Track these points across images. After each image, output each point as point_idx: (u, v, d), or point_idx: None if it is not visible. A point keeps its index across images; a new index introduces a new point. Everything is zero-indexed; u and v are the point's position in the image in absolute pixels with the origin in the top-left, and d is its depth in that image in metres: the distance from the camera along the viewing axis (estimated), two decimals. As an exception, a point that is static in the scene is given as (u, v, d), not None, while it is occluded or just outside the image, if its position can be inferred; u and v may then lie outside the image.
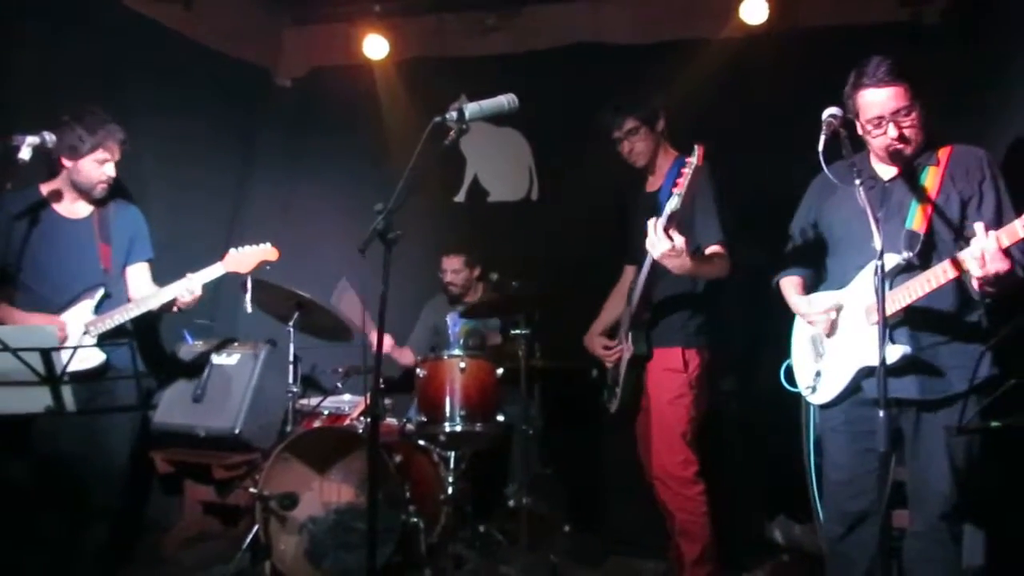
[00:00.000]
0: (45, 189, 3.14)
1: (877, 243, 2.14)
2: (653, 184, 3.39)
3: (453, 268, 4.52)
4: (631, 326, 3.28)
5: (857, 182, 2.24)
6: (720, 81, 4.30)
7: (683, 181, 2.78)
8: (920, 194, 2.46)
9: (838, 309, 2.58)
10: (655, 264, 2.96)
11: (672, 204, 2.78)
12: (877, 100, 2.42)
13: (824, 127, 2.34)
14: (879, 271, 2.13)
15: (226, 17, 4.85)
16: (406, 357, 4.53)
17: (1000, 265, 2.17)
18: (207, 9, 4.63)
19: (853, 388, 2.56)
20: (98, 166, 3.08)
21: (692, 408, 3.18)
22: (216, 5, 4.73)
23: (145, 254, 3.34)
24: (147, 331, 4.01)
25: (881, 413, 2.08)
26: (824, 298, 2.66)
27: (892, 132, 2.42)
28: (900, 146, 2.44)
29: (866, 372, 2.50)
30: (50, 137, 2.85)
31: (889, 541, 2.21)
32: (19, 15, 3.58)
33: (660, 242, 2.81)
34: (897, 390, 2.38)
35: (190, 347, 4.25)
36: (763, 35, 4.38)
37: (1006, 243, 2.18)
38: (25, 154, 2.75)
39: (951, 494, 2.39)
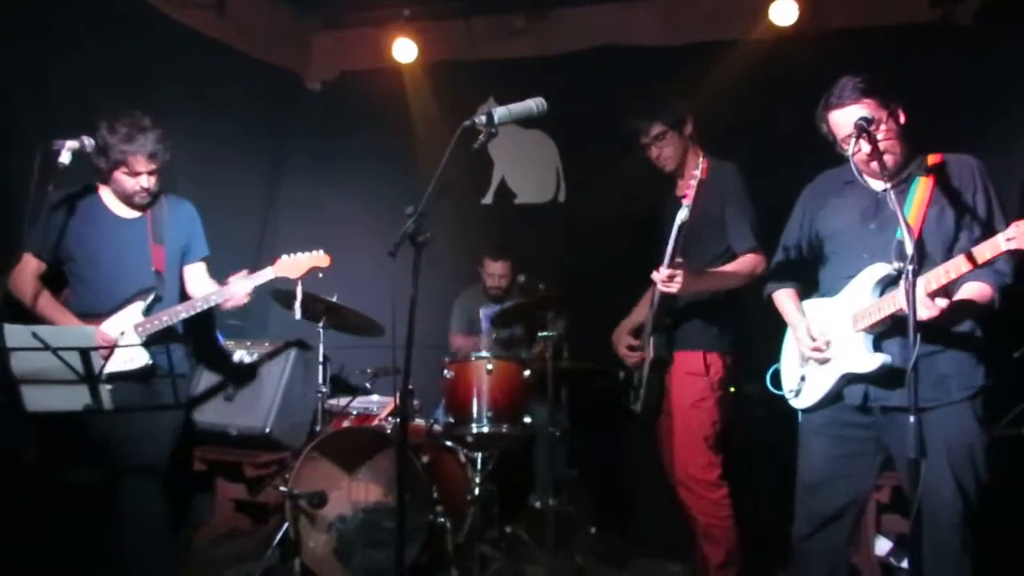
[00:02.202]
0: (102, 188, 3.16)
1: (908, 248, 2.13)
2: (682, 188, 3.37)
3: (500, 273, 4.59)
4: (652, 330, 3.28)
5: (888, 186, 2.23)
6: (750, 83, 4.28)
7: (691, 193, 2.82)
8: (911, 206, 2.45)
9: (827, 343, 2.57)
10: None
11: (681, 215, 2.83)
12: (844, 119, 2.42)
13: (854, 131, 2.33)
14: (909, 276, 2.10)
15: (257, 22, 4.92)
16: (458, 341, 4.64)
17: (926, 312, 2.20)
18: (239, 14, 4.70)
19: (835, 395, 2.56)
20: (130, 178, 3.06)
21: (715, 412, 3.17)
22: (247, 10, 4.80)
23: (201, 252, 3.36)
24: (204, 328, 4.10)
25: (911, 419, 2.07)
26: (818, 314, 2.66)
27: (865, 148, 2.38)
28: (874, 161, 2.39)
29: (849, 379, 2.52)
30: (89, 142, 2.87)
31: (920, 547, 2.18)
32: (56, 20, 3.66)
33: (671, 280, 2.90)
34: (890, 399, 2.42)
35: (221, 347, 4.31)
36: (793, 36, 4.35)
37: (933, 287, 2.22)
38: (65, 158, 2.79)
39: (954, 502, 2.36)
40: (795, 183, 3.99)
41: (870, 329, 2.46)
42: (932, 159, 2.50)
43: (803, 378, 2.67)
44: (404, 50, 4.96)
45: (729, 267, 3.14)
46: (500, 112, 2.27)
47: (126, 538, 3.00)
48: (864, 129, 2.31)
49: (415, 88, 5.13)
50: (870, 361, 2.43)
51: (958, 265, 2.22)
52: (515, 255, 4.65)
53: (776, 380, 2.80)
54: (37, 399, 2.52)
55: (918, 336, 2.07)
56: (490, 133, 2.26)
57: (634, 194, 4.21)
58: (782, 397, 2.78)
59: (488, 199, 5.22)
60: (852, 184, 2.37)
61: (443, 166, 2.26)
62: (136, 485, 3.01)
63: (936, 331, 2.36)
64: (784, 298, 2.79)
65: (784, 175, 4.01)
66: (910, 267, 2.11)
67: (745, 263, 3.13)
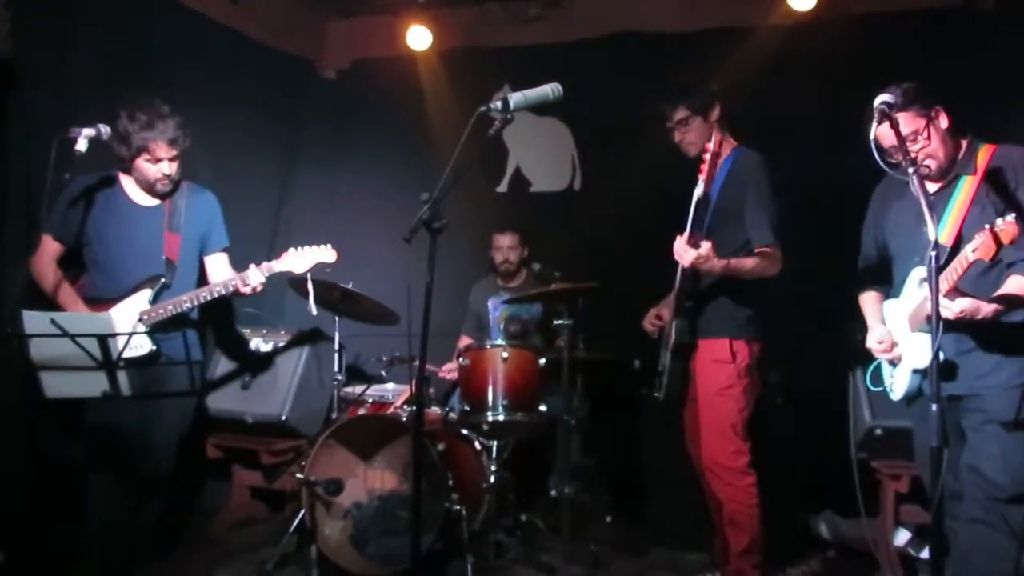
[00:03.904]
0: (124, 176, 3.19)
1: (931, 234, 2.12)
2: None
3: (509, 245, 4.57)
4: (674, 314, 3.25)
5: (911, 170, 2.22)
6: (767, 69, 4.23)
7: (705, 167, 2.89)
8: (953, 206, 2.50)
9: (893, 344, 2.67)
10: None
11: (697, 191, 2.91)
12: (885, 132, 2.42)
13: (875, 115, 2.31)
14: (931, 263, 2.11)
15: (271, 10, 4.92)
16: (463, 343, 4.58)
17: (944, 312, 2.26)
18: (253, 2, 4.70)
19: (917, 389, 2.64)
20: (152, 165, 3.09)
21: (742, 399, 3.15)
22: (262, -2, 4.80)
23: (221, 243, 3.37)
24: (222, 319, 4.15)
25: (933, 407, 2.10)
26: (889, 315, 2.74)
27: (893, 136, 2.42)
28: (915, 169, 2.38)
29: (921, 374, 2.59)
30: (105, 129, 2.90)
31: (942, 539, 2.18)
32: (73, 10, 3.67)
33: (685, 252, 2.95)
34: (952, 389, 2.49)
35: (240, 334, 4.33)
36: (812, 22, 4.30)
37: (944, 288, 2.30)
38: (82, 146, 2.80)
39: (1003, 483, 2.41)
40: (813, 170, 3.99)
41: (924, 327, 2.51)
42: (982, 154, 2.53)
43: (892, 375, 2.76)
44: (418, 37, 4.95)
45: (745, 258, 3.10)
46: (515, 98, 2.27)
47: (89, 533, 3.04)
48: (886, 114, 2.29)
49: (430, 76, 5.11)
50: (928, 357, 2.45)
51: (963, 261, 2.29)
52: (529, 243, 4.64)
53: (875, 378, 2.87)
54: (56, 385, 2.54)
55: (940, 330, 2.11)
56: (505, 119, 2.26)
57: (651, 182, 4.18)
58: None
59: (503, 187, 5.20)
60: (909, 186, 2.37)
61: (458, 153, 2.25)
62: (113, 484, 3.03)
63: (988, 323, 2.40)
64: (865, 301, 2.88)
65: (803, 162, 4.00)
66: (932, 253, 2.11)
67: (766, 255, 3.09)
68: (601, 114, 4.70)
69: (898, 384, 2.70)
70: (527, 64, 4.83)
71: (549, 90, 2.30)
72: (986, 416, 2.45)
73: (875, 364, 2.85)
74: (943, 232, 2.47)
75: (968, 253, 2.27)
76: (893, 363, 2.71)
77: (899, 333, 2.67)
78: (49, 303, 3.05)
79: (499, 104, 2.25)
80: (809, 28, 4.29)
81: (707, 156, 2.88)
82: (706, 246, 2.91)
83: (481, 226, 4.78)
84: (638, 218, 4.43)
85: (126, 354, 2.57)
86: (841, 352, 3.66)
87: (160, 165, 3.09)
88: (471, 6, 5.07)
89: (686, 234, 2.98)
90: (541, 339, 4.47)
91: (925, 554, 3.49)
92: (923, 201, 2.16)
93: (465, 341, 4.60)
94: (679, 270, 3.16)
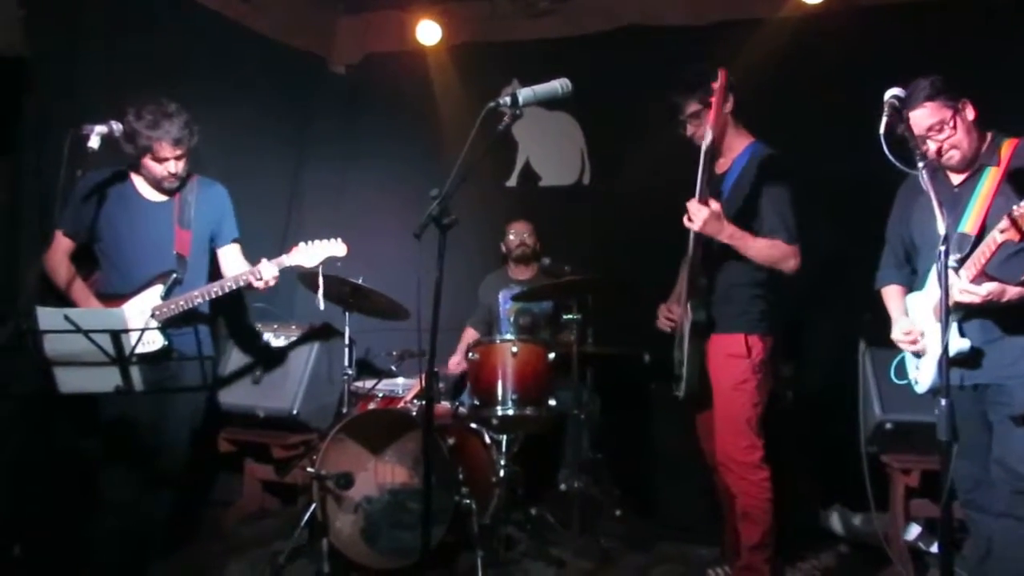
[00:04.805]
0: (134, 171, 3.20)
1: (941, 227, 2.13)
2: (722, 166, 3.31)
3: (525, 231, 4.61)
4: (688, 295, 3.24)
5: (920, 165, 2.22)
6: (776, 62, 4.21)
7: (712, 113, 2.94)
8: (977, 197, 2.53)
9: (920, 335, 2.69)
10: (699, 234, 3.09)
11: (706, 139, 2.93)
12: (913, 122, 2.46)
13: (886, 108, 2.31)
14: (942, 256, 2.13)
15: (282, 6, 4.93)
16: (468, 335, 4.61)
17: (967, 297, 2.34)
18: (264, -1, 4.71)
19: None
20: (157, 164, 3.10)
21: (756, 394, 3.13)
22: (272, -6, 4.80)
23: (231, 235, 3.38)
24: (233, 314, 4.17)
25: (943, 402, 2.10)
26: (913, 307, 2.77)
27: (932, 147, 2.51)
28: (942, 160, 2.51)
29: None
30: (117, 126, 2.92)
31: (951, 533, 2.18)
32: (86, 7, 3.69)
33: (699, 211, 2.95)
34: (978, 377, 2.53)
35: (254, 328, 4.36)
36: (821, 14, 4.28)
37: (972, 272, 2.36)
38: (94, 143, 2.82)
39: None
40: (821, 164, 3.98)
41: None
42: (1006, 146, 2.55)
43: (917, 367, 2.77)
44: (428, 32, 4.96)
45: (761, 239, 3.08)
46: (525, 93, 2.27)
47: (103, 526, 3.06)
48: (896, 108, 2.29)
49: (439, 70, 5.12)
50: (955, 346, 2.49)
51: (991, 243, 2.30)
52: (539, 237, 4.65)
53: (899, 371, 2.89)
54: (69, 381, 2.57)
55: (949, 320, 2.14)
56: (515, 115, 2.26)
57: (660, 176, 4.16)
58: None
59: (512, 182, 5.20)
60: (933, 180, 2.39)
61: (467, 148, 2.25)
62: (127, 478, 3.05)
63: (1014, 312, 2.45)
64: (888, 296, 2.91)
65: (811, 156, 3.98)
66: (941, 248, 2.14)
67: (778, 247, 3.08)
68: (611, 108, 4.70)
69: (923, 376, 2.70)
70: (537, 58, 4.83)
71: (558, 86, 2.30)
72: (1009, 409, 2.48)
73: (899, 357, 2.86)
74: (968, 221, 2.51)
75: (996, 235, 2.29)
76: (918, 355, 2.72)
77: (924, 325, 2.68)
78: (62, 298, 3.07)
79: (508, 100, 2.25)
80: (818, 21, 4.27)
81: (714, 99, 2.93)
82: (716, 204, 2.96)
83: (490, 220, 4.79)
84: (648, 212, 4.42)
85: (138, 350, 2.60)
86: (851, 346, 3.65)
87: (166, 164, 3.10)
88: (480, 1, 5.07)
89: (696, 194, 2.98)
90: (550, 333, 4.48)
91: (936, 548, 3.48)
92: (932, 195, 2.19)
93: (471, 333, 4.62)
94: (691, 242, 3.13)
